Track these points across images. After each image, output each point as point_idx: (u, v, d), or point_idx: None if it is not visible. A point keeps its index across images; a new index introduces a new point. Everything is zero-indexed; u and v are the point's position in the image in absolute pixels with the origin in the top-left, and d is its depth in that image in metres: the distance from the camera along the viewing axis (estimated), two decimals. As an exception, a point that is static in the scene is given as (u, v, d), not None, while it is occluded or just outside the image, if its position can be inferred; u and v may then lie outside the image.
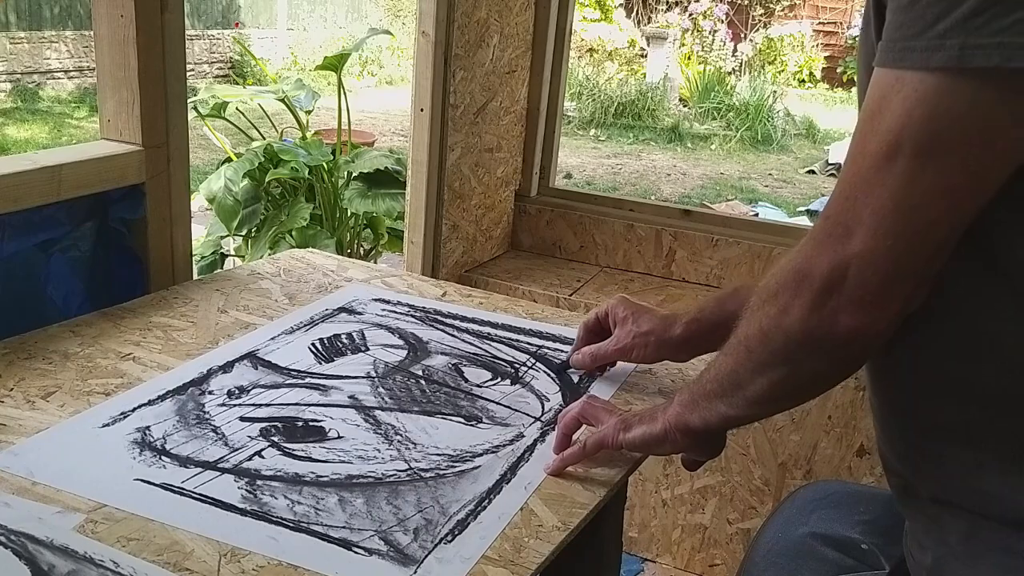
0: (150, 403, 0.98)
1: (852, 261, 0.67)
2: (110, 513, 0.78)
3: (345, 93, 3.20)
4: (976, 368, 0.71)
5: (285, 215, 2.96)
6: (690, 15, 10.15)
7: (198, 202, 3.50)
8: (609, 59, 9.96)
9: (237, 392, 1.02)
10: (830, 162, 7.23)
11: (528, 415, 1.03)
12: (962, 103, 0.62)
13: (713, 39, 9.99)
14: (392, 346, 1.18)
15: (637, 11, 10.76)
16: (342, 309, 1.28)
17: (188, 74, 1.35)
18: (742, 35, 10.36)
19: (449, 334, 1.23)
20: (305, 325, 1.22)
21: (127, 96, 1.26)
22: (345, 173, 3.15)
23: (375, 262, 3.19)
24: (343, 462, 0.90)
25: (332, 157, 3.13)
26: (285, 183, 3.12)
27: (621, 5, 10.81)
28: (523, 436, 0.98)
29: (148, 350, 1.11)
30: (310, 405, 1.01)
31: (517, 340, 1.23)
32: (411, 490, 0.86)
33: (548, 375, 1.14)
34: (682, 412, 0.87)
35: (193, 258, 1.77)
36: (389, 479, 0.88)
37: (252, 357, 1.11)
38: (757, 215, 5.57)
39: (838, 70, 10.63)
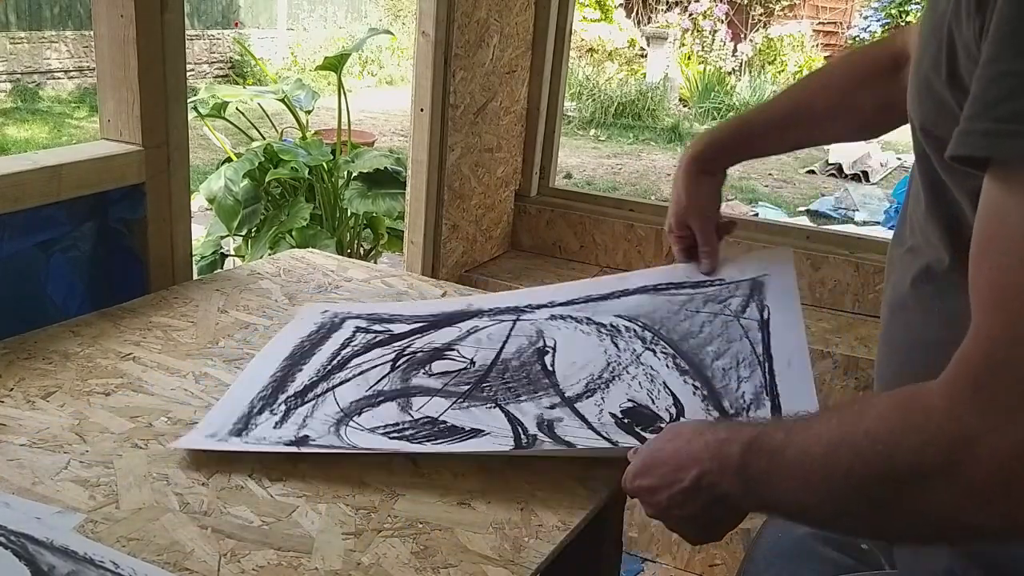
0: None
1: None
2: (110, 513, 0.79)
3: (345, 93, 3.20)
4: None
5: (285, 215, 2.96)
6: (690, 15, 10.15)
7: (198, 202, 3.50)
8: (609, 59, 9.96)
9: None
10: (830, 162, 7.23)
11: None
12: None
13: (713, 39, 9.99)
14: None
15: (637, 11, 10.76)
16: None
17: (188, 74, 1.35)
18: (742, 35, 10.36)
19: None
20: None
21: (127, 96, 1.26)
22: (345, 173, 3.15)
23: (375, 262, 3.19)
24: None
25: (332, 157, 3.13)
26: (285, 183, 3.12)
27: (621, 5, 10.80)
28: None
29: (148, 350, 1.11)
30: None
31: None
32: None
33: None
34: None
35: (193, 258, 1.77)
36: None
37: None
38: (757, 215, 5.57)
39: (838, 70, 10.61)
